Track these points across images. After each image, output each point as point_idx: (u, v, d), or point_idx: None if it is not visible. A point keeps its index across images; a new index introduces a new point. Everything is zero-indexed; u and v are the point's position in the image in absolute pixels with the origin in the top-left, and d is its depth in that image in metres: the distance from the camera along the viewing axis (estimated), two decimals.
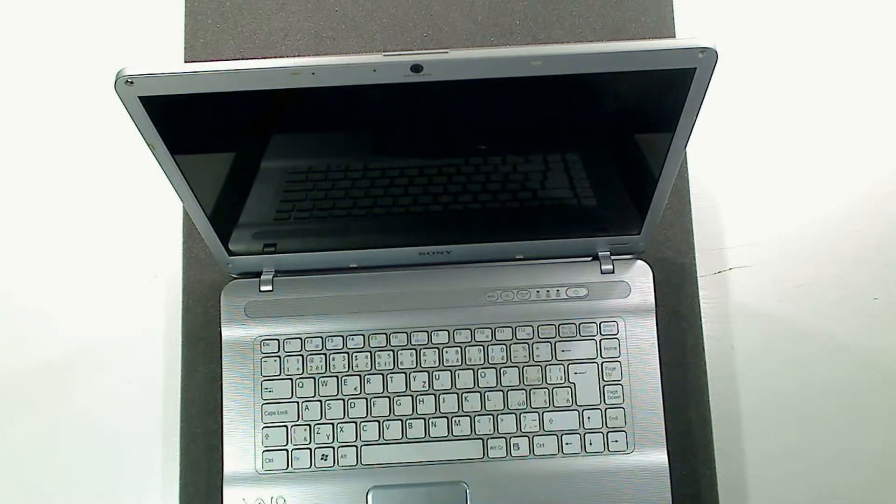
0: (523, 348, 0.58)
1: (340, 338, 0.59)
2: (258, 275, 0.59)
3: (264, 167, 0.49)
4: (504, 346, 0.59)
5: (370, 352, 0.59)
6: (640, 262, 0.60)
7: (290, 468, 0.57)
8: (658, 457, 0.57)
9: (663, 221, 0.61)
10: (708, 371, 0.60)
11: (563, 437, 0.57)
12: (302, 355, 0.59)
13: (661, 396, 0.58)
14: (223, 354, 0.59)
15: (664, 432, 0.57)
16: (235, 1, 0.66)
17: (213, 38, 0.65)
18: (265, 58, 0.40)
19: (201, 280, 0.62)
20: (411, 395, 0.58)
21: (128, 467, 0.60)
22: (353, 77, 0.40)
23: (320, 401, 0.58)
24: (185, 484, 0.59)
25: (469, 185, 0.52)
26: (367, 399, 0.58)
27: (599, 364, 0.58)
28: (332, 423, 0.58)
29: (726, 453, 0.59)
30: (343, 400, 0.58)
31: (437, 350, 0.59)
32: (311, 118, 0.45)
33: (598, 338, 0.59)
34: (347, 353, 0.59)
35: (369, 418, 0.58)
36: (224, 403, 0.58)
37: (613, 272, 0.59)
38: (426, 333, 0.59)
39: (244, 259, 0.58)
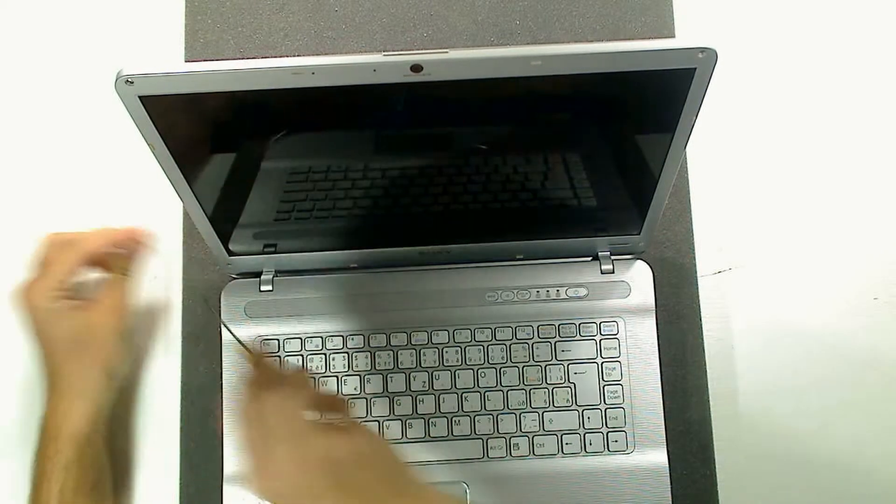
0: (523, 348, 0.58)
1: (340, 338, 0.59)
2: (258, 275, 0.59)
3: (264, 167, 0.49)
4: (504, 346, 0.58)
5: (370, 352, 0.59)
6: (640, 262, 0.60)
7: None
8: (658, 457, 0.57)
9: (663, 221, 0.61)
10: (708, 371, 0.60)
11: (563, 436, 0.57)
12: (302, 355, 0.59)
13: (661, 396, 0.58)
14: (223, 354, 0.59)
15: (664, 432, 0.57)
16: (235, 1, 0.66)
17: (213, 38, 0.65)
18: (265, 58, 0.40)
19: (201, 280, 0.61)
20: (411, 395, 0.58)
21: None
22: (353, 77, 0.40)
23: None
24: (185, 484, 0.59)
25: (469, 185, 0.52)
26: (367, 399, 0.58)
27: (599, 364, 0.58)
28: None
29: (726, 453, 0.59)
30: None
31: (437, 350, 0.59)
32: (311, 118, 0.45)
33: (598, 338, 0.59)
34: (347, 353, 0.59)
35: (369, 418, 0.58)
36: (224, 403, 0.58)
37: (613, 272, 0.59)
38: (426, 333, 0.59)
39: (244, 259, 0.58)
